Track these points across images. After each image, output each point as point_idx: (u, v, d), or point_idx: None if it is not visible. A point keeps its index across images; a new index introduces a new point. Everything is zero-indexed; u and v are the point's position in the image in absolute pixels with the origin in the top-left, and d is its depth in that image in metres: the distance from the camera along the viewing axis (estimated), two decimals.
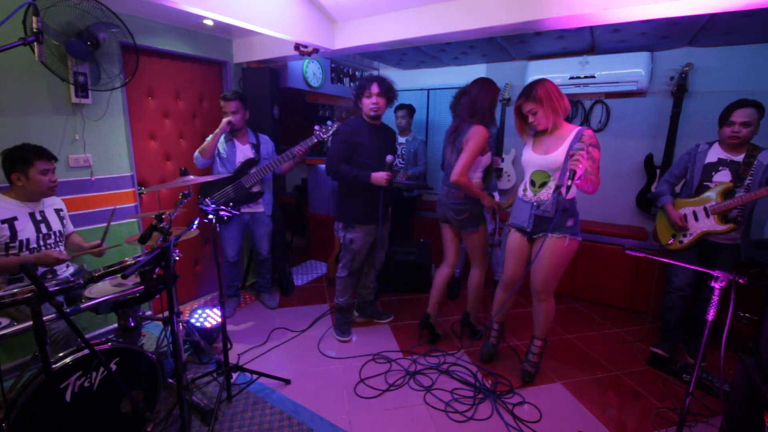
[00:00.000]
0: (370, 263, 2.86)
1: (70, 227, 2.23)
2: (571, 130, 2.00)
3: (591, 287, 3.42)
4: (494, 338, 2.50)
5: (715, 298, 1.47)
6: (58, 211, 2.12)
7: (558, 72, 3.39)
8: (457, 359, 2.54)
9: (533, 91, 1.97)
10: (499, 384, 2.31)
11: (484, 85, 2.37)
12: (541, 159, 2.04)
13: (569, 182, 1.83)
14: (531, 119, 2.02)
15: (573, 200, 2.05)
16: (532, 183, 2.11)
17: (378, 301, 3.14)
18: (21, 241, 1.92)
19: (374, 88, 2.45)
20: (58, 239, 2.08)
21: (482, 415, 2.06)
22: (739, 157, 2.24)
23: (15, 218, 1.91)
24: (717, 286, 1.45)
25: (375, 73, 4.67)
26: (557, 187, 2.00)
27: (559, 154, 1.99)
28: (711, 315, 1.48)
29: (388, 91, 2.50)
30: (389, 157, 2.46)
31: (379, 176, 2.46)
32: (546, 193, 2.04)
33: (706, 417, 2.04)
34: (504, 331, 2.58)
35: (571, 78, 3.33)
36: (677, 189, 2.58)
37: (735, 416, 1.61)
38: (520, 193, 2.19)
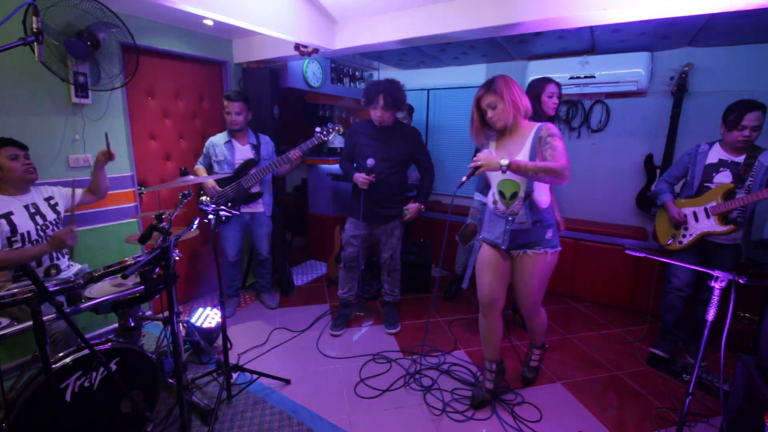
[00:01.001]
0: (383, 267, 2.82)
1: (78, 192, 2.21)
2: (532, 129, 1.84)
3: (591, 287, 3.41)
4: (490, 381, 2.14)
5: (715, 299, 1.47)
6: (48, 199, 2.10)
7: (558, 72, 3.38)
8: (457, 359, 2.54)
9: (494, 83, 1.82)
10: (500, 384, 2.30)
11: (530, 85, 2.55)
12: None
13: (464, 178, 1.77)
14: (490, 114, 1.84)
15: (548, 209, 1.91)
16: (502, 195, 1.91)
17: (397, 310, 3.01)
18: (22, 235, 1.92)
19: (380, 102, 2.44)
20: (56, 229, 2.08)
21: (482, 415, 2.05)
22: (740, 158, 2.23)
23: (11, 213, 1.91)
24: (717, 286, 1.45)
25: (375, 73, 4.67)
26: (527, 195, 1.84)
27: (522, 158, 1.82)
28: (711, 315, 1.48)
29: (394, 104, 2.48)
30: (370, 161, 2.46)
31: (356, 177, 2.53)
32: (519, 204, 1.86)
33: (706, 417, 2.04)
34: (504, 373, 2.25)
35: (571, 78, 3.33)
36: (677, 189, 2.58)
37: (735, 416, 1.61)
38: (491, 206, 1.99)
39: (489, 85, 1.84)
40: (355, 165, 2.70)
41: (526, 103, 1.84)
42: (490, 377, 2.14)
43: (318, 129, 2.71)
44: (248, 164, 2.88)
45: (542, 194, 1.87)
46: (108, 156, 2.17)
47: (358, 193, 2.58)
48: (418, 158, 2.67)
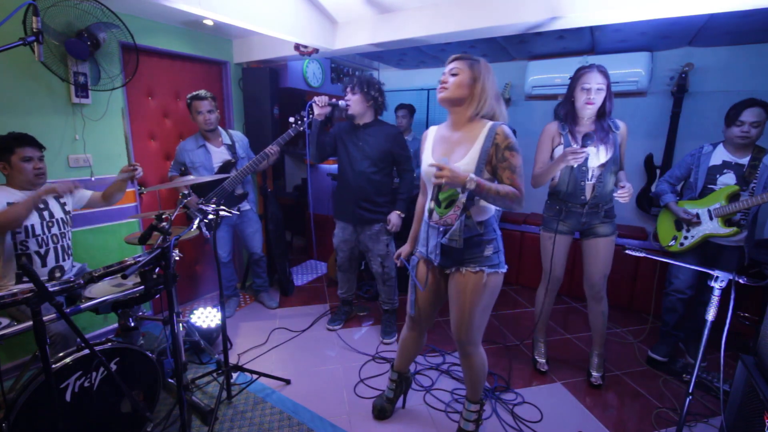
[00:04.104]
0: (377, 277, 2.77)
1: (87, 192, 2.20)
2: (483, 128, 1.53)
3: None
4: (390, 390, 2.07)
5: (716, 299, 1.46)
6: (57, 198, 2.09)
7: (558, 72, 3.39)
8: (457, 359, 2.54)
9: (478, 61, 1.56)
10: (499, 384, 2.31)
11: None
12: (467, 173, 1.49)
13: (431, 203, 1.57)
14: (444, 79, 1.56)
15: (489, 221, 1.61)
16: (438, 202, 1.62)
17: (395, 318, 2.88)
18: (26, 227, 1.92)
19: (348, 89, 2.50)
20: (62, 228, 2.07)
21: (482, 415, 2.05)
22: (744, 160, 2.21)
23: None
24: (717, 286, 1.44)
25: (375, 73, 4.67)
26: (466, 207, 1.55)
27: (468, 164, 1.51)
28: (711, 315, 1.48)
29: (360, 86, 2.46)
30: (342, 102, 2.47)
31: (314, 99, 2.43)
32: (454, 215, 1.58)
33: (706, 417, 2.04)
34: (405, 385, 2.10)
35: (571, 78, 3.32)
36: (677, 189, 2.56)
37: (735, 416, 1.61)
38: (426, 214, 1.70)
39: (470, 57, 1.58)
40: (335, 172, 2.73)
41: (491, 103, 1.57)
42: (391, 386, 2.07)
43: (291, 119, 2.61)
44: (227, 166, 2.80)
45: (482, 206, 1.59)
46: (132, 171, 2.15)
47: (348, 191, 2.58)
48: (398, 157, 2.57)
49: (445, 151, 1.60)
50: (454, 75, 1.55)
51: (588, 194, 2.12)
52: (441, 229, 1.62)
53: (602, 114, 2.06)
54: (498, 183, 1.51)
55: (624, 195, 2.00)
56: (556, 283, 2.36)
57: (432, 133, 1.71)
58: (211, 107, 2.69)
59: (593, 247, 2.21)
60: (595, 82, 1.98)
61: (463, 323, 1.66)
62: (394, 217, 2.57)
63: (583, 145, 1.94)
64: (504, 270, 1.63)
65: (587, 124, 2.10)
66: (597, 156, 2.05)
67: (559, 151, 2.12)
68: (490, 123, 1.54)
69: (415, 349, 1.98)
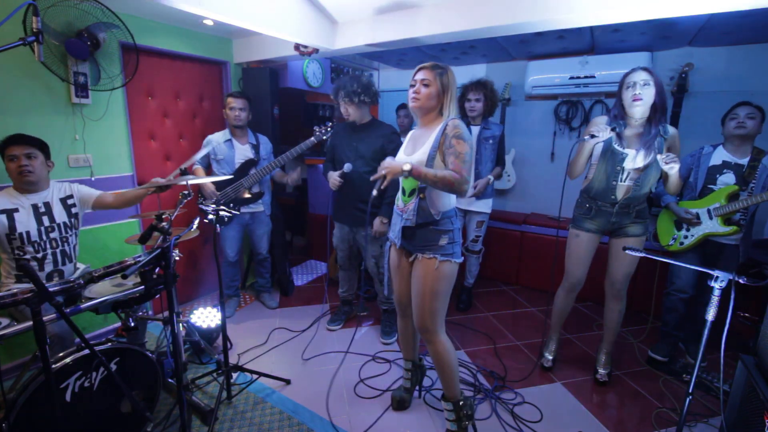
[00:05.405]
0: (373, 276, 2.79)
1: (94, 193, 2.15)
2: (441, 123, 1.69)
3: (590, 287, 3.39)
4: (407, 380, 2.15)
5: (716, 298, 1.46)
6: (66, 198, 2.06)
7: (558, 72, 3.39)
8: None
9: (446, 70, 1.70)
10: (498, 384, 2.30)
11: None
12: (408, 160, 1.69)
13: (374, 192, 1.67)
14: (416, 88, 1.69)
15: (448, 213, 1.73)
16: (403, 191, 1.81)
17: (394, 318, 2.77)
18: (21, 234, 1.90)
19: (339, 97, 2.49)
20: (63, 233, 2.04)
21: (482, 415, 2.05)
22: (744, 161, 2.23)
23: (15, 210, 1.90)
24: (716, 286, 1.44)
25: (375, 73, 4.67)
26: (420, 190, 1.70)
27: (422, 153, 1.69)
28: (711, 315, 1.48)
29: (353, 96, 2.44)
30: (347, 166, 2.50)
31: (330, 175, 2.56)
32: (414, 202, 1.74)
33: (706, 417, 2.04)
34: (420, 374, 2.18)
35: (571, 78, 3.33)
36: None
37: (735, 416, 1.61)
38: (396, 203, 1.90)
39: (438, 66, 1.70)
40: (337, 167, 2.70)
41: (454, 107, 1.73)
42: (406, 375, 2.15)
43: (316, 128, 2.73)
44: (248, 164, 2.89)
45: (440, 195, 1.71)
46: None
47: (346, 196, 2.60)
48: (390, 155, 2.56)
49: (413, 147, 1.79)
50: (426, 85, 1.69)
51: (619, 195, 2.07)
52: (404, 215, 1.78)
53: (652, 118, 1.96)
54: (444, 169, 1.64)
55: (668, 160, 1.86)
56: (577, 285, 2.35)
57: (410, 134, 1.92)
58: (243, 105, 2.84)
59: (621, 246, 2.17)
60: (639, 78, 1.92)
61: (423, 308, 1.76)
62: (377, 223, 2.49)
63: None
64: (458, 260, 1.75)
65: (637, 126, 2.01)
66: (634, 159, 1.99)
67: (598, 149, 2.08)
68: (446, 119, 1.70)
69: (414, 334, 2.08)
